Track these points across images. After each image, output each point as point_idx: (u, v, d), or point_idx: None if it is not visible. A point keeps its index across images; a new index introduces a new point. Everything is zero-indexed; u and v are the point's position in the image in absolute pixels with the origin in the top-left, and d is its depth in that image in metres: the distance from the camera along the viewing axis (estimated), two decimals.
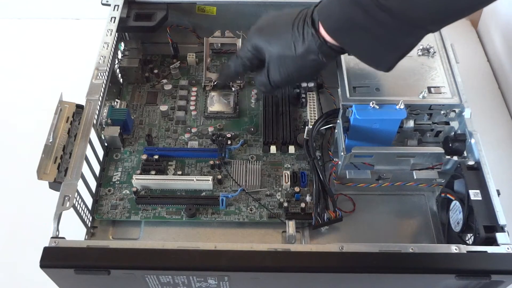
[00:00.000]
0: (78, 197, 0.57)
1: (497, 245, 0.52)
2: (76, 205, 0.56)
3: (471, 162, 0.58)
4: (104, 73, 0.67)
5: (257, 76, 0.64)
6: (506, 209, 0.54)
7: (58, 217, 0.53)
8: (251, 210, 0.63)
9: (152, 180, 0.64)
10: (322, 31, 0.53)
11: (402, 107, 0.58)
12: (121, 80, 0.78)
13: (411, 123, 0.63)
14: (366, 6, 0.48)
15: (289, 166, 0.68)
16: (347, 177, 0.64)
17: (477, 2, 0.48)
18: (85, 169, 0.59)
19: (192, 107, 0.73)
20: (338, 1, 0.51)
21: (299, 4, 0.75)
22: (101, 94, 0.66)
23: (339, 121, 0.62)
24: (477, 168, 0.57)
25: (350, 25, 0.50)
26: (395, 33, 0.49)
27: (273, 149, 0.69)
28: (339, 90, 0.62)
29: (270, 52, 0.59)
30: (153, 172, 0.65)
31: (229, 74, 0.69)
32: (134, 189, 0.64)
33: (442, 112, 0.63)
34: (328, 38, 0.53)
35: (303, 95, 0.73)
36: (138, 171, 0.66)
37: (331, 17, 0.52)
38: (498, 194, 0.55)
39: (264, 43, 0.59)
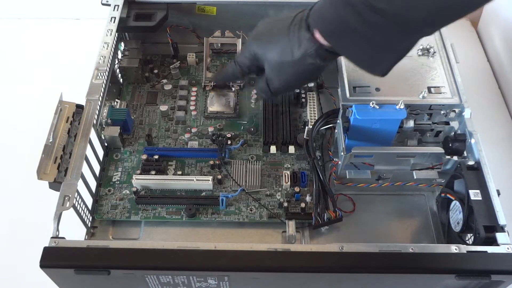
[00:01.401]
0: (78, 197, 0.57)
1: (497, 245, 0.52)
2: (76, 205, 0.56)
3: (471, 162, 0.58)
4: (104, 73, 0.67)
5: (257, 83, 0.63)
6: (506, 209, 0.54)
7: (58, 217, 0.53)
8: (251, 210, 0.63)
9: (152, 180, 0.64)
10: (318, 34, 0.52)
11: (402, 107, 0.58)
12: (121, 80, 0.78)
13: (411, 123, 0.63)
14: (358, 8, 0.46)
15: (289, 166, 0.68)
16: (347, 177, 0.64)
17: (472, 2, 0.46)
18: (85, 169, 0.60)
19: (192, 107, 0.73)
20: (330, 3, 0.50)
21: (299, 4, 0.75)
22: (101, 94, 0.66)
23: (339, 121, 0.62)
24: (477, 168, 0.57)
25: (342, 28, 0.49)
26: (389, 36, 0.47)
27: (273, 149, 0.69)
28: (339, 90, 0.62)
29: (268, 59, 0.58)
30: (153, 172, 0.65)
31: (226, 77, 0.70)
32: (134, 189, 0.64)
33: (442, 112, 0.63)
34: (323, 41, 0.52)
35: (303, 95, 0.73)
36: (138, 171, 0.66)
37: (324, 20, 0.51)
38: (498, 194, 0.55)
39: (262, 51, 0.59)
